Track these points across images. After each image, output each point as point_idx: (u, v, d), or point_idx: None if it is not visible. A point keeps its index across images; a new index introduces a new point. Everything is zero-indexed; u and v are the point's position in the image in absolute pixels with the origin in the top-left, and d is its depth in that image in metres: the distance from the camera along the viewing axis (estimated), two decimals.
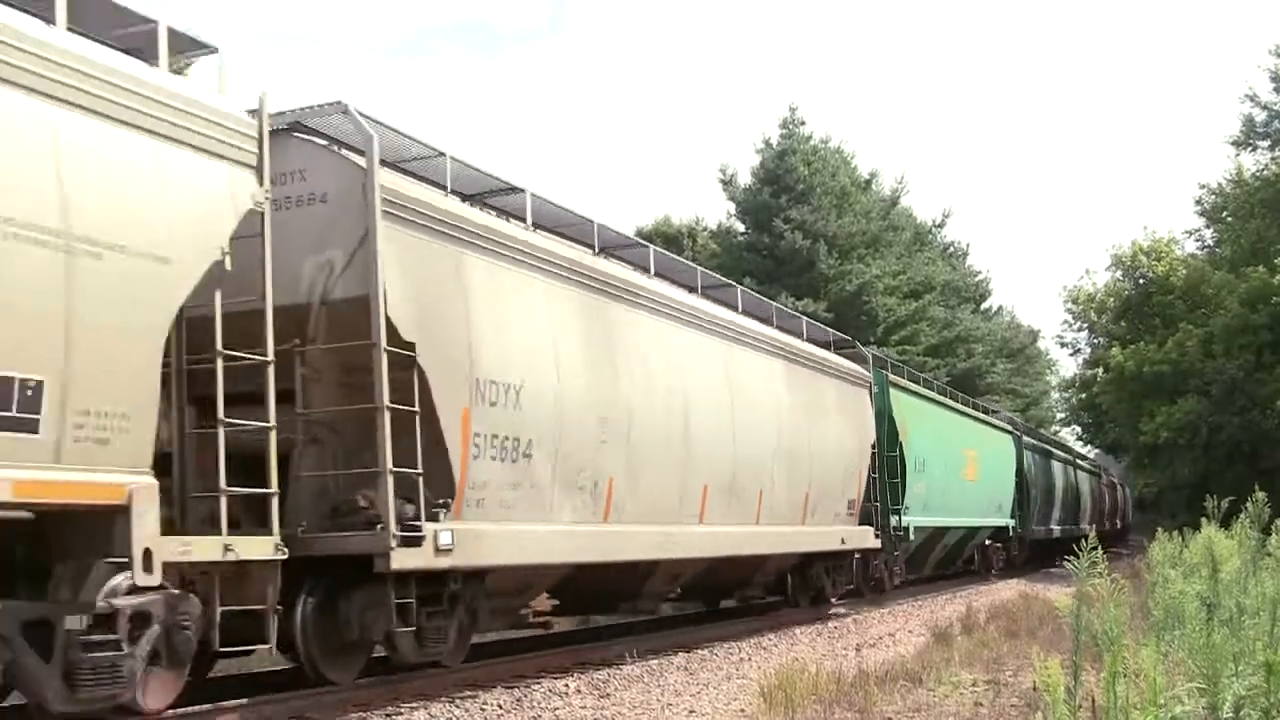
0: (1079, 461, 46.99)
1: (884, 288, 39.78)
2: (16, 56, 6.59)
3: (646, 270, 13.92)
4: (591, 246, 12.92)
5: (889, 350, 34.18)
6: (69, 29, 7.18)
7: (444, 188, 10.62)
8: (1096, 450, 59.92)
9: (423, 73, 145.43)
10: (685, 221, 46.89)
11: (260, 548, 8.12)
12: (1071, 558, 5.94)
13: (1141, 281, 39.16)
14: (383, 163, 9.38)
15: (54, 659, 6.74)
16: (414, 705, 9.27)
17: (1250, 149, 37.89)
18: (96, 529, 7.00)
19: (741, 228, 41.75)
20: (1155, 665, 5.21)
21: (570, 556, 11.36)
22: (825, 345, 19.32)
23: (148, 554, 7.09)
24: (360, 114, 9.46)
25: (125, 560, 7.01)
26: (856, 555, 19.35)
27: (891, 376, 22.05)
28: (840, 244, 39.35)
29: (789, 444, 16.17)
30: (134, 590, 7.04)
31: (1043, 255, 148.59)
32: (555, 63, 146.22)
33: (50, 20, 7.04)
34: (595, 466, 11.58)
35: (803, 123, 41.25)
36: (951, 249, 54.83)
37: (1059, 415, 66.48)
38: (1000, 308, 63.06)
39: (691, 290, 15.06)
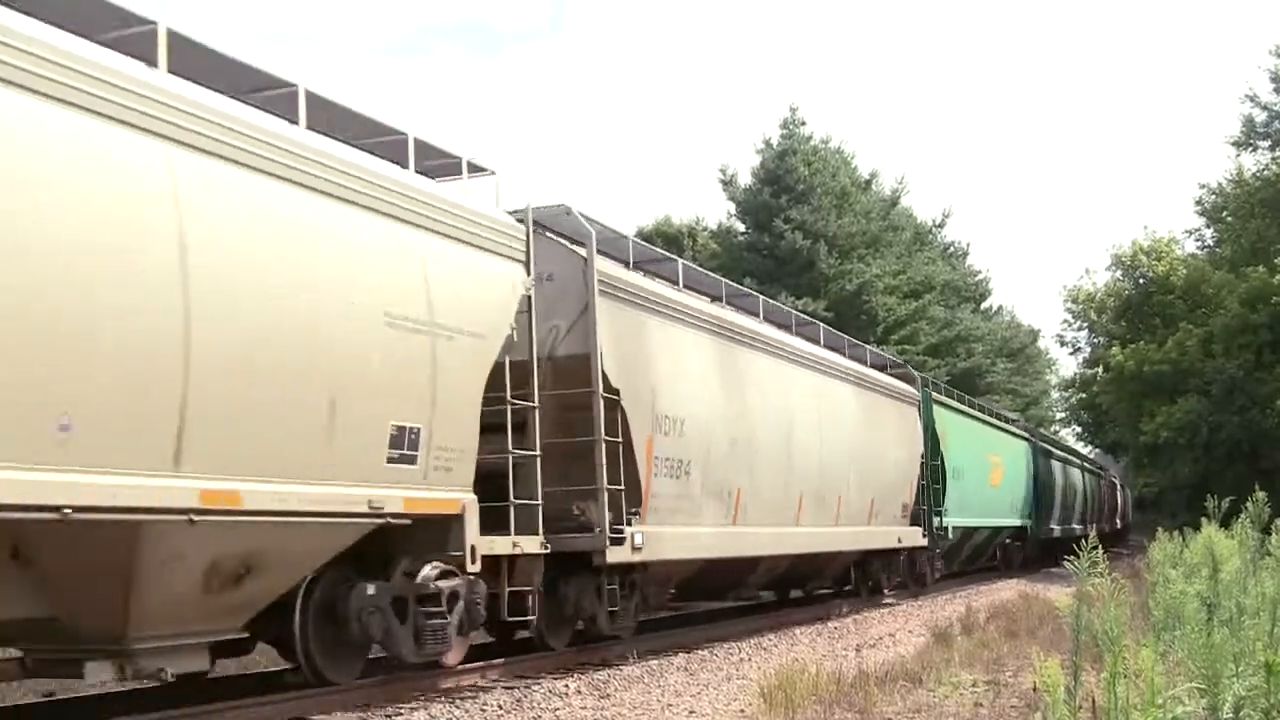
0: (1085, 464, 48.23)
1: (884, 287, 39.79)
2: (401, 200, 9.39)
3: (757, 315, 16.74)
4: (719, 298, 15.77)
5: (889, 350, 34.21)
6: (417, 171, 10.01)
7: (626, 262, 13.40)
8: (1096, 450, 59.93)
9: (423, 73, 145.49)
10: (685, 221, 46.91)
11: (533, 544, 10.88)
12: (1072, 557, 5.93)
13: (1141, 281, 39.17)
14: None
15: (407, 625, 9.45)
16: (414, 705, 9.28)
17: (1250, 149, 37.92)
18: (437, 531, 9.69)
19: (742, 228, 41.77)
20: (1154, 666, 5.21)
21: (713, 552, 14.26)
22: (882, 368, 22.40)
23: (473, 549, 9.91)
24: (581, 215, 12.35)
25: (457, 554, 9.80)
26: (904, 553, 22.07)
27: (935, 395, 25.05)
28: (840, 244, 39.36)
29: (859, 456, 19.13)
30: (442, 576, 9.69)
31: (1043, 255, 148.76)
32: (555, 63, 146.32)
33: (405, 165, 9.84)
34: (728, 479, 14.45)
35: (803, 123, 41.28)
36: (951, 249, 54.81)
37: (1059, 415, 66.51)
38: (1000, 307, 63.12)
39: (786, 328, 17.85)
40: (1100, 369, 40.10)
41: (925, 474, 22.95)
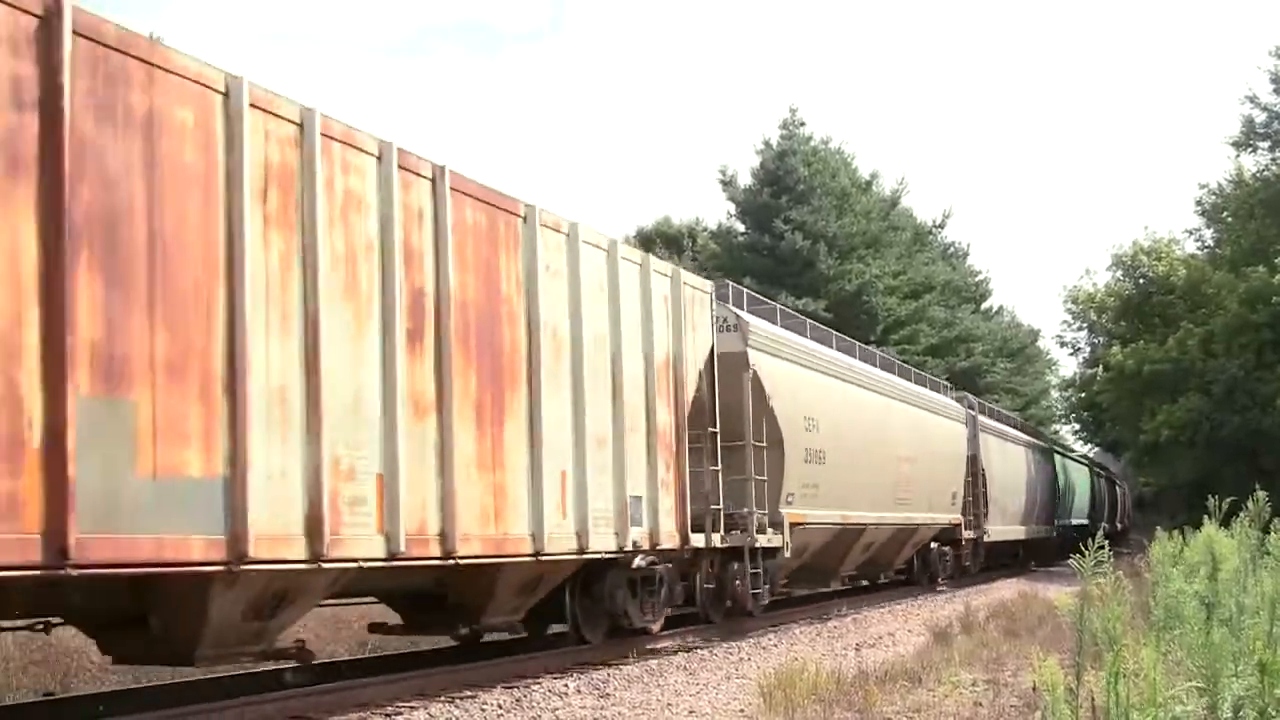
0: (1106, 472, 56.09)
1: (884, 288, 39.79)
2: (946, 411, 26.90)
3: (997, 418, 33.55)
4: (996, 415, 33.92)
5: (889, 350, 34.25)
6: (934, 389, 27.34)
7: (975, 407, 30.32)
8: (1096, 449, 59.97)
9: (423, 73, 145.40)
10: (685, 222, 46.96)
11: (975, 533, 28.10)
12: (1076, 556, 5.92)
13: (1142, 281, 39.15)
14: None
15: (939, 564, 26.29)
16: (414, 705, 9.28)
17: (1250, 150, 37.83)
18: (952, 530, 26.05)
19: (741, 228, 41.78)
20: (1155, 665, 5.20)
21: (1001, 536, 30.60)
22: (1030, 432, 39.75)
23: (965, 536, 27.35)
24: (972, 398, 30.39)
25: (957, 539, 27.34)
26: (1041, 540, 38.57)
27: (1055, 448, 43.15)
28: (840, 244, 39.35)
29: (1034, 487, 36.22)
30: (941, 546, 26.34)
31: (1043, 255, 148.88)
32: (555, 63, 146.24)
33: (940, 391, 27.96)
34: (1005, 503, 31.16)
35: (803, 123, 41.33)
36: (951, 249, 54.80)
37: (1058, 414, 66.43)
38: (1000, 308, 63.08)
39: (1014, 426, 35.94)
40: (1100, 369, 40.08)
41: (1054, 495, 39.35)
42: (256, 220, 7.86)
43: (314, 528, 8.08)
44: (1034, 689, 8.06)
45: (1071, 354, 53.90)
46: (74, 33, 6.71)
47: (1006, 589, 24.76)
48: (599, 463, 11.54)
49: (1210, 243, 42.04)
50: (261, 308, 7.83)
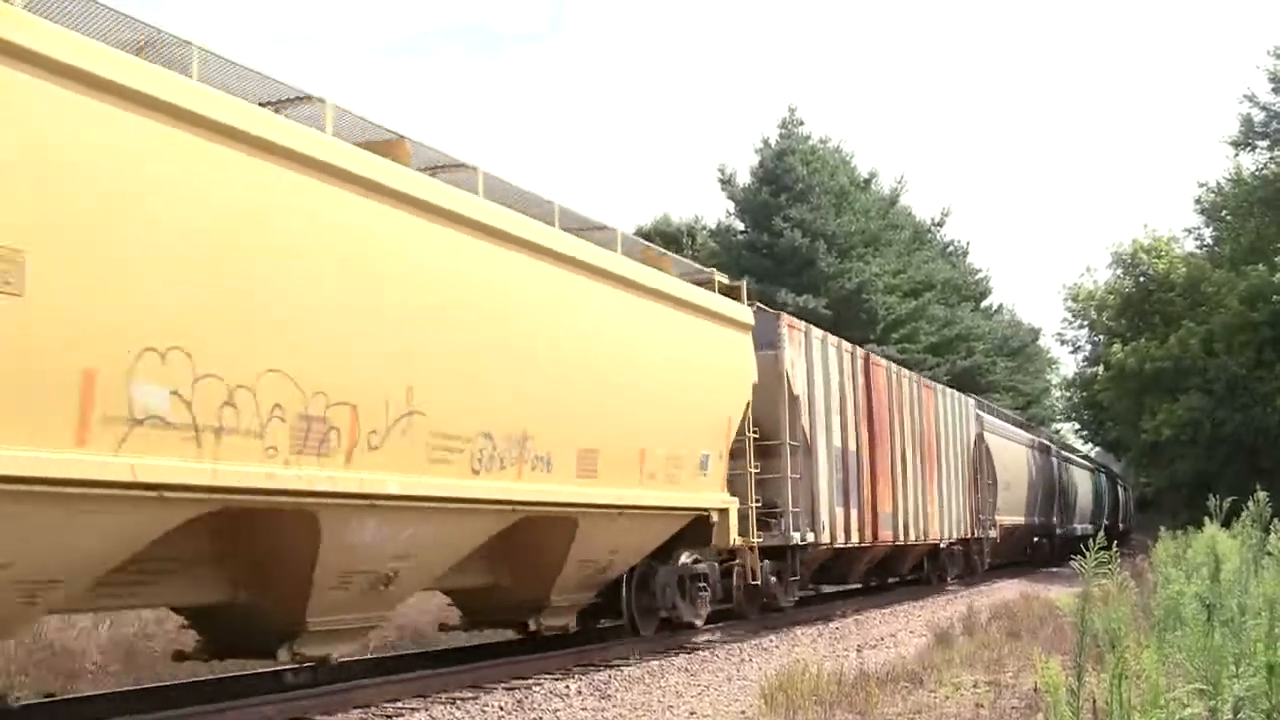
0: (1110, 472, 58.39)
1: (884, 286, 39.72)
2: (1063, 461, 43.26)
3: (1068, 450, 46.60)
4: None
5: (890, 349, 34.21)
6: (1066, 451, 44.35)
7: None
8: (1097, 449, 59.98)
9: (423, 73, 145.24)
10: (685, 221, 46.91)
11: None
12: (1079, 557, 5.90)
13: (1142, 279, 39.15)
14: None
15: None
16: (414, 706, 9.27)
17: (1249, 149, 37.79)
18: None
19: (741, 227, 41.71)
20: (1156, 666, 5.19)
21: (1076, 532, 40.11)
22: (1082, 455, 50.88)
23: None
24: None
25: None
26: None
27: (1104, 468, 53.54)
28: (840, 243, 39.29)
29: (1071, 491, 43.62)
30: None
31: (1043, 254, 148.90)
32: (555, 63, 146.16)
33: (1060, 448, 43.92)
34: (1079, 514, 43.65)
35: (801, 123, 41.24)
36: (951, 247, 54.70)
37: (1059, 413, 66.41)
38: (1000, 306, 62.96)
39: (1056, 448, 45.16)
40: (1101, 367, 40.08)
41: (1098, 500, 48.61)
42: (897, 409, 20.85)
43: (904, 531, 20.71)
44: (1036, 690, 8.05)
45: (1072, 352, 53.99)
46: (872, 362, 19.95)
47: (1009, 589, 24.74)
48: (952, 495, 24.24)
49: (1210, 241, 42.03)
50: (896, 444, 20.61)
